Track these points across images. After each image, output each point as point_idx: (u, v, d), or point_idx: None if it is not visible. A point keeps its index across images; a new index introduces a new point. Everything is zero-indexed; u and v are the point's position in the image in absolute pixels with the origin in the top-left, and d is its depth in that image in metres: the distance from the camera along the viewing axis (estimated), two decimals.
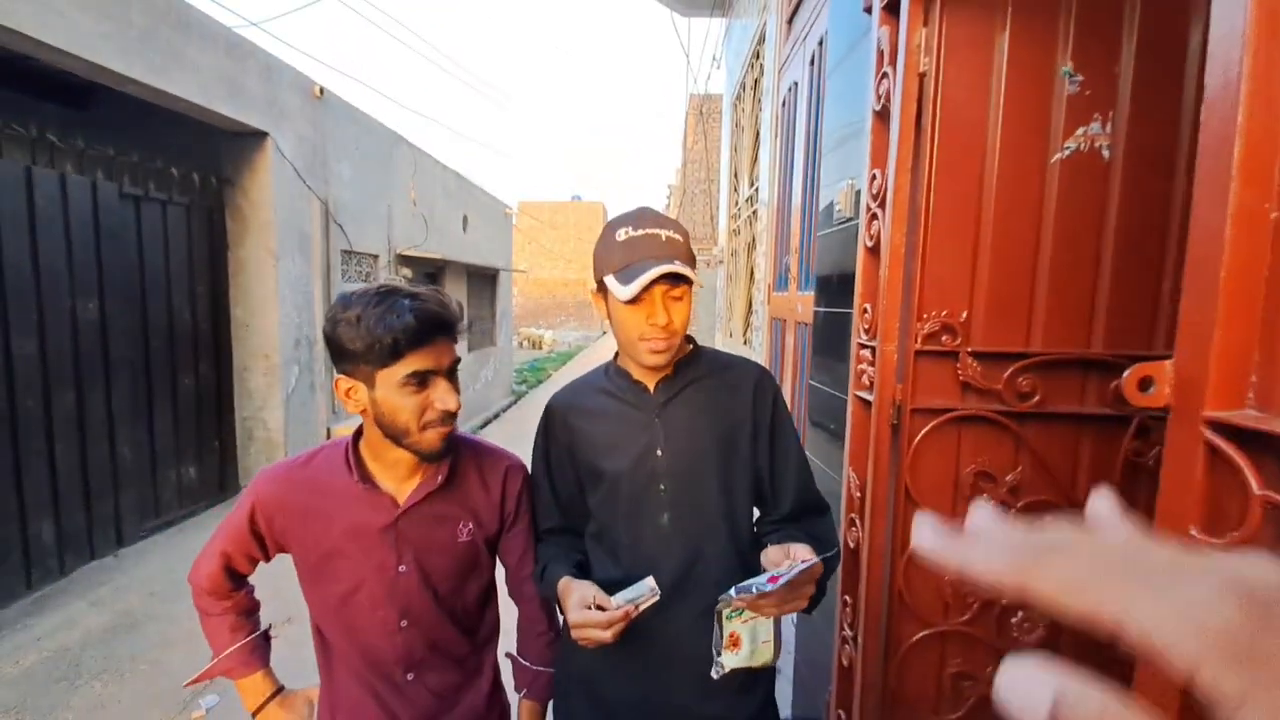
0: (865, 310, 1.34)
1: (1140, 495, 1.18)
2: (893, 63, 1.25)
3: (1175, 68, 1.17)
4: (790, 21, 3.10)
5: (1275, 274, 0.52)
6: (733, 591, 0.84)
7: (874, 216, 1.31)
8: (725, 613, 0.90)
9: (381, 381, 0.91)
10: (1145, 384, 0.58)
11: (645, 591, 0.92)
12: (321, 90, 5.30)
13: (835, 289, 1.90)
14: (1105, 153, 1.19)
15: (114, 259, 3.80)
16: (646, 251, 0.97)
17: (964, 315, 1.24)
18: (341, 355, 0.91)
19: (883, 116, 1.29)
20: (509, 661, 1.19)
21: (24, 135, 3.37)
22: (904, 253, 1.24)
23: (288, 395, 4.97)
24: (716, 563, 1.03)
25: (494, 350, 10.85)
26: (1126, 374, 0.59)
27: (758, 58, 4.03)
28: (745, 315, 4.54)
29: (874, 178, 1.31)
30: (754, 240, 4.08)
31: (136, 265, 4.03)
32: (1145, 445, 1.18)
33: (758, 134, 4.05)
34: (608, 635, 0.89)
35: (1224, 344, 0.53)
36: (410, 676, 1.06)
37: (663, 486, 1.04)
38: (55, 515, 3.46)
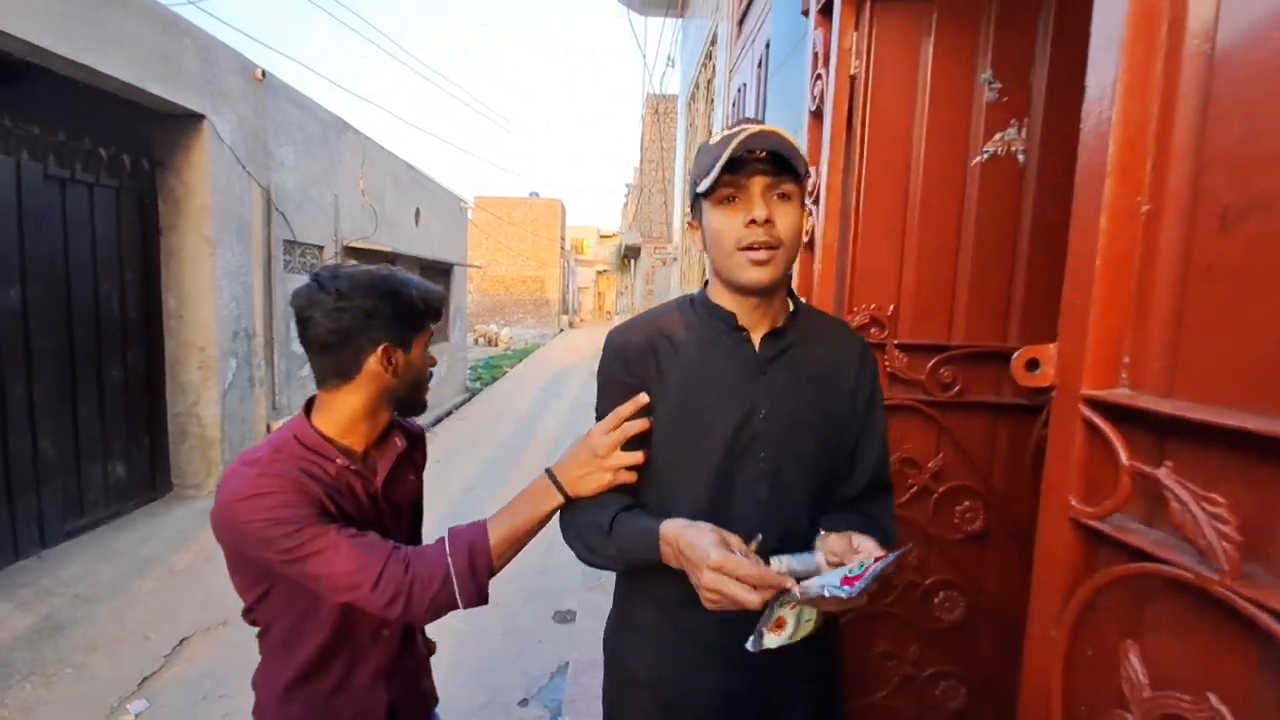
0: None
1: None
2: (826, 64, 1.29)
3: (1083, 79, 1.25)
4: (740, 24, 3.15)
5: (1146, 263, 0.56)
6: (796, 592, 0.72)
7: (809, 213, 1.35)
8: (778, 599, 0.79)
9: (417, 343, 1.01)
10: (1032, 365, 0.63)
11: (818, 570, 0.75)
12: (264, 73, 5.10)
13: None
14: (1020, 157, 1.26)
15: (37, 243, 3.57)
16: (738, 135, 0.81)
17: (891, 309, 1.29)
18: (400, 320, 0.97)
19: (817, 116, 1.33)
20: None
21: None
22: (836, 248, 1.28)
23: (225, 390, 4.77)
24: (803, 543, 0.88)
25: (448, 346, 10.66)
26: (1015, 356, 0.63)
27: (710, 59, 4.08)
28: None
29: (809, 175, 1.35)
30: None
31: (61, 250, 3.79)
32: None
33: (710, 133, 4.11)
34: (754, 598, 0.72)
35: (1100, 328, 0.57)
36: (385, 633, 1.09)
37: (763, 454, 0.89)
38: None
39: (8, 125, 3.41)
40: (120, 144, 4.12)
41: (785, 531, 0.88)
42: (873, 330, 1.29)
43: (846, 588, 0.68)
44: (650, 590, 0.96)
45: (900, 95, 1.26)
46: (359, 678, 1.01)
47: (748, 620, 0.79)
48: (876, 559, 0.71)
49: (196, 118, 4.41)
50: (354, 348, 0.94)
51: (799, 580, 0.73)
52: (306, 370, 5.95)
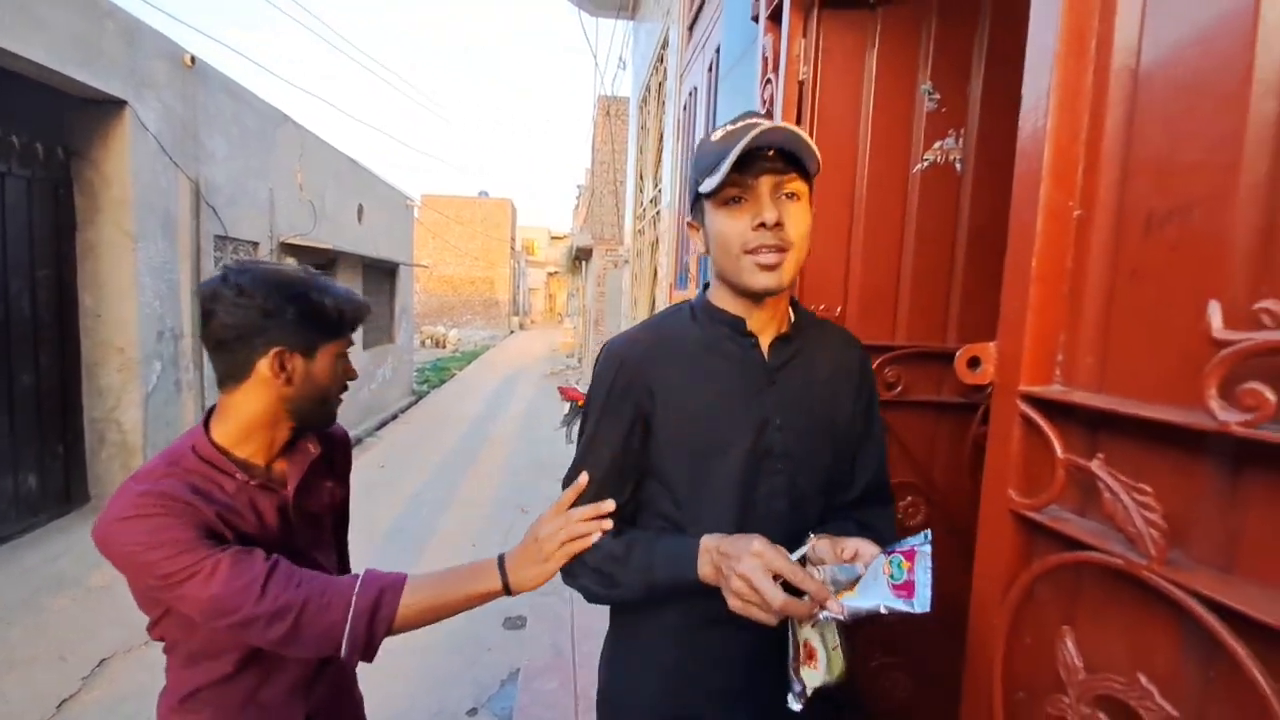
0: None
1: None
2: (775, 70, 1.31)
3: (1017, 91, 1.31)
4: (691, 29, 3.18)
5: (1078, 265, 0.59)
6: (823, 615, 0.67)
7: None
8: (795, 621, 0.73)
9: (324, 352, 0.95)
10: (974, 363, 0.65)
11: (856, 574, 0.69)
12: (193, 59, 4.84)
13: None
14: (958, 165, 1.31)
15: None
16: (745, 133, 0.76)
17: (839, 309, 1.33)
18: (304, 325, 0.92)
19: (767, 120, 1.35)
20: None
21: None
22: None
23: (148, 394, 4.48)
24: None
25: (392, 348, 10.35)
26: (958, 354, 0.65)
27: (661, 62, 4.10)
28: (649, 314, 4.62)
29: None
30: (657, 240, 4.15)
31: None
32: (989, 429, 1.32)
33: (661, 136, 4.12)
34: (779, 599, 0.67)
35: (1035, 327, 0.60)
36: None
37: (779, 466, 0.85)
38: None
39: None
40: (33, 131, 3.83)
41: (804, 542, 0.80)
42: None
43: (906, 598, 0.61)
44: (662, 616, 0.88)
45: (846, 102, 1.30)
46: (271, 692, 0.95)
47: (761, 642, 0.77)
48: (903, 555, 0.65)
49: (117, 104, 4.14)
50: (248, 348, 0.89)
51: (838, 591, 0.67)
52: None
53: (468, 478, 6.60)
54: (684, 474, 0.86)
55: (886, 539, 0.79)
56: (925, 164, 1.31)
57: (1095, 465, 0.52)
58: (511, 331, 29.33)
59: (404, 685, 2.97)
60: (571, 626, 3.03)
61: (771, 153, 0.76)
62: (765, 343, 0.88)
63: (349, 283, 8.28)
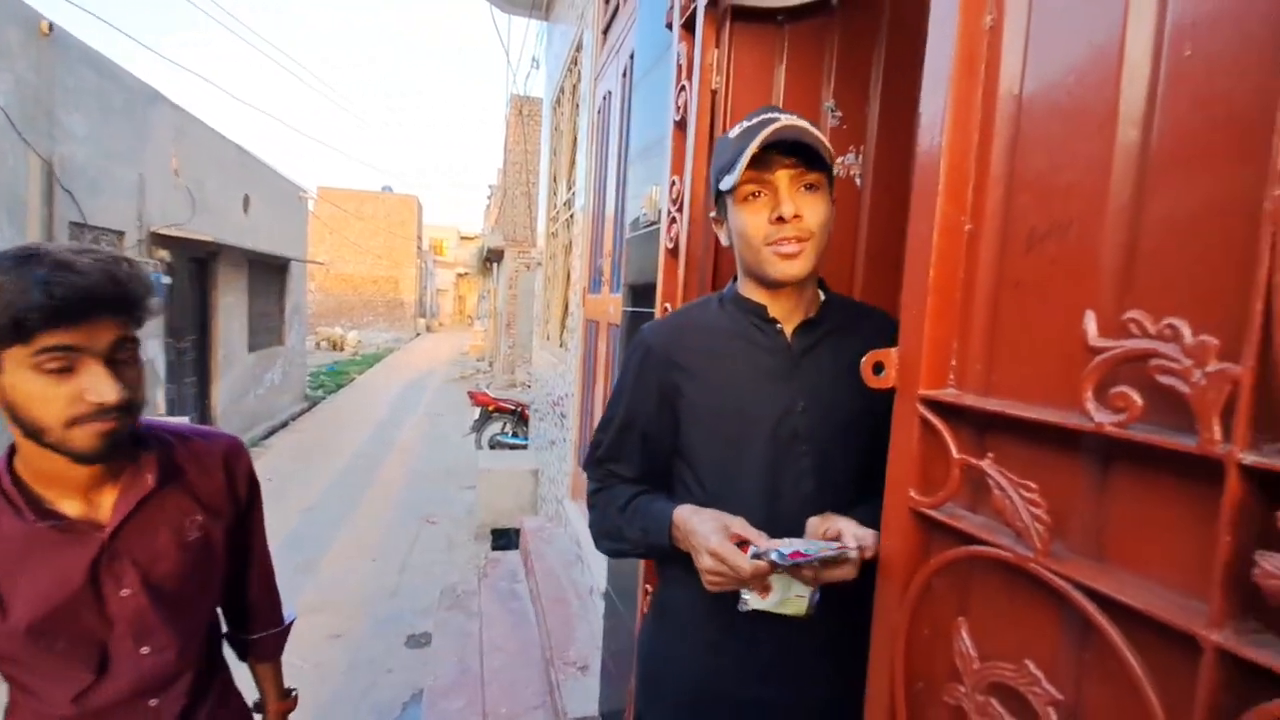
0: (666, 309, 1.40)
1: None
2: (689, 77, 1.33)
3: (910, 112, 1.40)
4: (605, 32, 3.18)
5: (968, 276, 0.63)
6: (774, 554, 0.73)
7: (673, 220, 1.38)
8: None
9: (11, 363, 0.72)
10: (878, 368, 0.67)
11: (825, 549, 0.74)
12: (50, 26, 4.28)
13: (641, 290, 1.97)
14: (858, 180, 1.38)
15: None
16: (761, 129, 0.79)
17: None
18: None
19: (681, 126, 1.37)
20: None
21: None
22: (700, 255, 1.32)
23: None
24: None
25: (282, 350, 9.63)
26: (864, 359, 0.68)
27: (575, 64, 4.08)
28: (562, 318, 4.56)
29: (673, 184, 1.38)
30: (571, 243, 4.12)
31: None
32: None
33: (575, 139, 4.10)
34: (746, 576, 0.74)
35: (932, 334, 0.63)
36: (154, 703, 0.90)
37: (804, 449, 0.87)
38: None
39: None
40: None
41: None
42: None
43: (791, 559, 0.72)
44: (700, 595, 0.89)
45: None
46: None
47: (793, 630, 0.84)
48: (837, 546, 0.73)
49: None
50: None
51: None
52: None
53: (368, 488, 6.24)
54: (712, 457, 0.91)
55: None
56: None
57: (986, 464, 0.55)
58: (418, 334, 28.12)
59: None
60: (480, 642, 2.92)
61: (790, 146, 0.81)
62: (790, 329, 0.91)
63: (233, 279, 7.63)
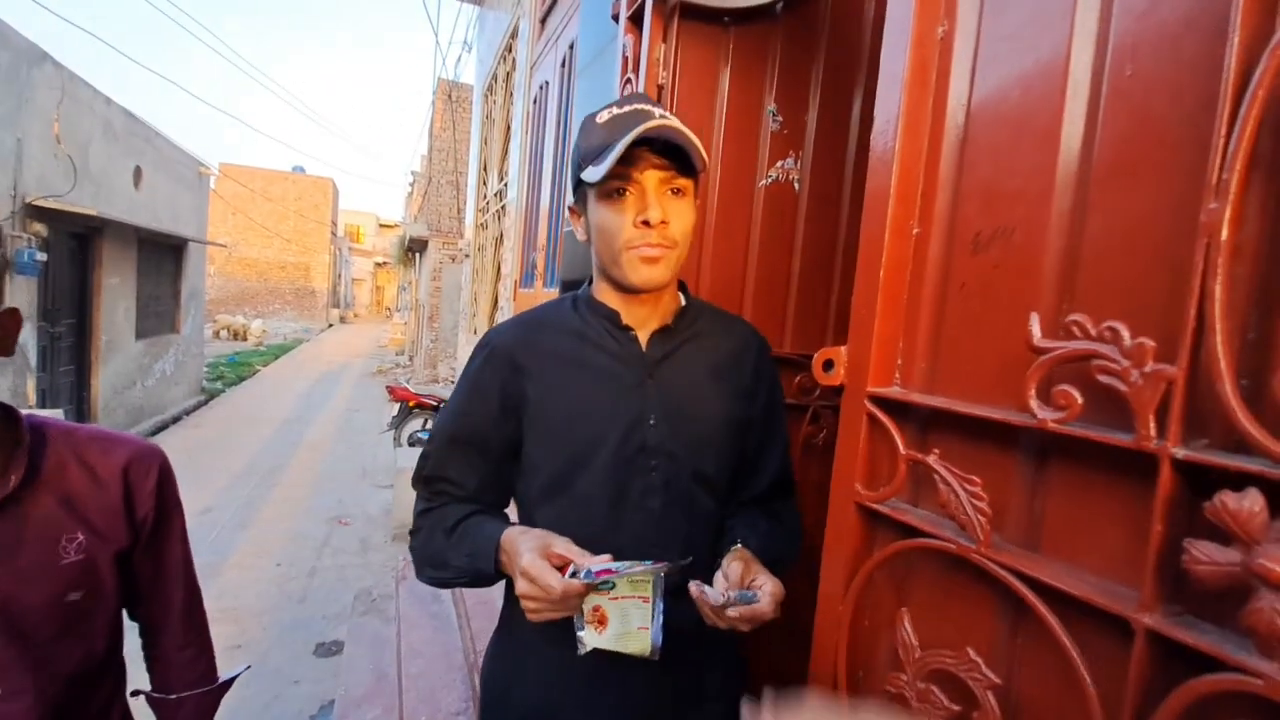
0: None
1: (813, 469, 1.43)
2: (635, 70, 1.31)
3: (844, 123, 1.45)
4: (543, 21, 3.12)
5: (916, 277, 0.65)
6: (583, 573, 0.67)
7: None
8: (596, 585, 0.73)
9: None
10: (828, 365, 0.69)
11: (645, 566, 0.69)
12: None
13: (577, 285, 1.94)
14: (796, 185, 1.42)
15: None
16: (633, 123, 0.73)
17: None
18: None
19: (655, 109, 1.35)
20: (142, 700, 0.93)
21: None
22: None
23: None
24: (705, 557, 0.81)
25: (176, 338, 8.86)
26: (815, 356, 0.69)
27: (510, 52, 3.98)
28: (490, 312, 4.44)
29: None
30: (502, 236, 4.01)
31: None
32: (817, 429, 1.43)
33: (509, 128, 4.00)
34: (557, 596, 0.66)
35: (881, 333, 0.64)
36: None
37: (654, 463, 0.82)
38: None
39: None
40: None
41: (686, 544, 0.81)
42: None
43: (599, 577, 0.67)
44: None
45: (701, 112, 1.34)
46: None
47: (628, 667, 0.74)
48: (641, 564, 0.70)
49: None
50: None
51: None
52: None
53: (274, 488, 5.85)
54: (554, 470, 0.84)
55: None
56: (768, 180, 1.40)
57: (933, 460, 0.57)
58: (331, 325, 26.65)
59: None
60: (398, 648, 2.79)
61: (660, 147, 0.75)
62: (644, 336, 0.86)
63: (119, 259, 6.94)
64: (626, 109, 0.78)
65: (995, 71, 0.58)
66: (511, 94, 3.90)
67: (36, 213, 5.24)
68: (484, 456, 0.87)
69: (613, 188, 0.77)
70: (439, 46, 7.53)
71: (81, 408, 6.45)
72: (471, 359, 0.89)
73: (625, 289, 0.83)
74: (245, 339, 18.52)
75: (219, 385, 10.68)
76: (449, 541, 0.83)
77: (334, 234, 27.54)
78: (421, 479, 0.90)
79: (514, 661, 0.89)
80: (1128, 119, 0.46)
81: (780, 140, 1.41)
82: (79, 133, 5.90)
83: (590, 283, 0.91)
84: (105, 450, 0.82)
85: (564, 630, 0.74)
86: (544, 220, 2.77)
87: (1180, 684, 0.39)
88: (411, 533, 0.91)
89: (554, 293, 2.46)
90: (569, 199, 0.89)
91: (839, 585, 0.66)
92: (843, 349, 0.68)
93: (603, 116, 0.80)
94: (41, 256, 5.15)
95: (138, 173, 7.24)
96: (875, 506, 0.63)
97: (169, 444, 7.18)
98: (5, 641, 0.73)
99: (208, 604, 1.01)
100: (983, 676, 0.52)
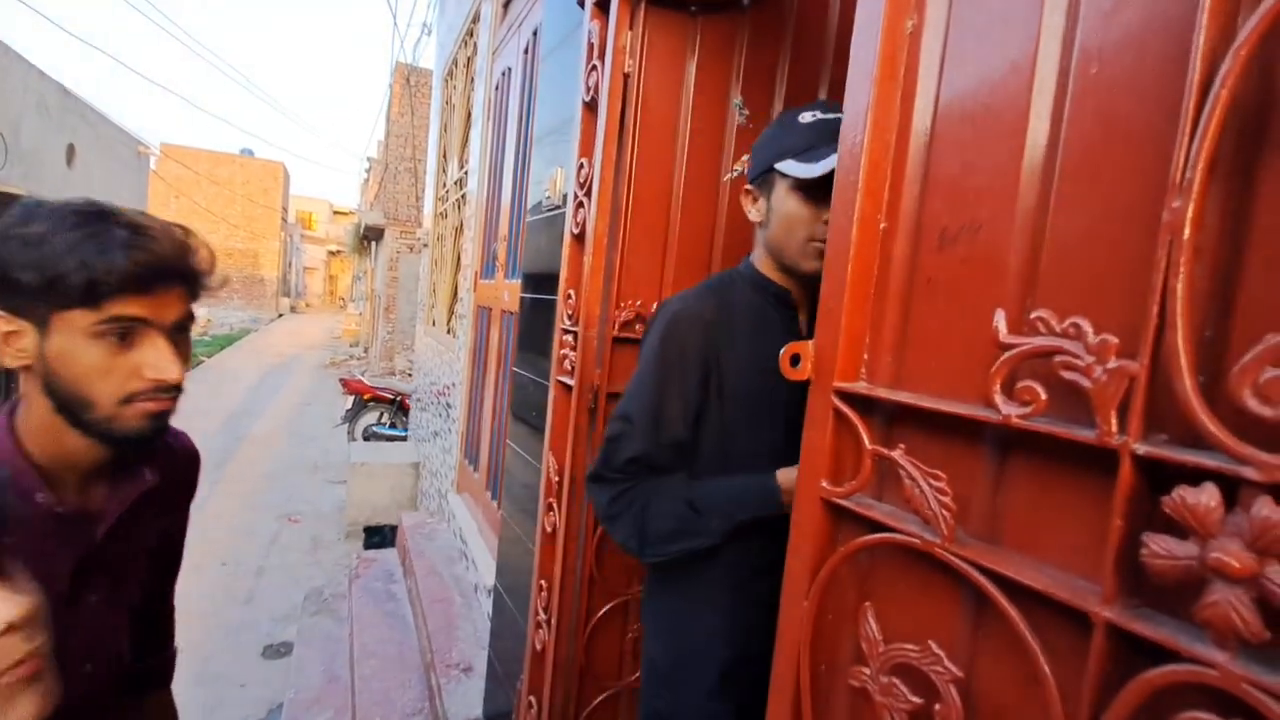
0: (569, 296, 1.36)
1: None
2: (601, 57, 1.29)
3: None
4: (506, 6, 3.05)
5: (882, 273, 0.65)
6: None
7: (580, 204, 1.34)
8: None
9: (62, 327, 0.65)
10: (795, 360, 0.68)
11: None
12: None
13: (541, 277, 1.91)
14: None
15: None
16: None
17: (654, 307, 1.34)
18: (9, 281, 0.65)
19: (591, 108, 1.32)
20: None
21: None
22: (606, 242, 1.29)
23: None
24: None
25: None
26: (783, 351, 0.68)
27: (471, 36, 3.88)
28: (450, 303, 4.34)
29: (581, 166, 1.34)
30: (462, 225, 3.92)
31: None
32: None
33: (469, 115, 3.90)
34: None
35: (848, 328, 0.64)
36: None
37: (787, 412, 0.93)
38: None
39: None
40: None
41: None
42: (637, 327, 1.33)
43: None
44: (710, 571, 0.97)
45: (668, 102, 1.32)
46: None
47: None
48: None
49: None
50: None
51: None
52: None
53: (218, 484, 5.62)
54: (737, 434, 0.96)
55: None
56: (733, 174, 1.39)
57: (898, 455, 0.57)
58: (281, 315, 25.72)
59: None
60: (351, 648, 2.72)
61: None
62: (803, 318, 1.02)
63: None
64: (833, 116, 0.89)
65: (963, 68, 0.58)
66: (472, 80, 3.80)
67: None
68: (685, 425, 0.96)
69: (816, 185, 0.88)
70: (397, 29, 7.31)
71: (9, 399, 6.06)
72: (661, 333, 0.98)
73: (795, 273, 0.97)
74: None
75: None
76: (698, 511, 0.93)
77: (285, 220, 26.54)
78: (621, 463, 0.98)
79: (703, 609, 1.00)
80: (1093, 118, 0.47)
81: (747, 134, 1.41)
82: (8, 106, 5.52)
83: (749, 259, 1.05)
84: (179, 443, 0.91)
85: (735, 568, 0.93)
86: (506, 210, 2.71)
87: (1135, 675, 0.39)
88: (611, 518, 0.99)
89: (515, 284, 2.41)
90: (725, 177, 1.08)
91: (803, 580, 0.66)
92: (810, 344, 0.67)
93: (807, 118, 0.91)
94: None
95: (71, 150, 6.83)
96: (840, 502, 0.63)
97: None
98: (112, 619, 0.79)
99: None
100: (945, 669, 0.52)
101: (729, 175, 1.42)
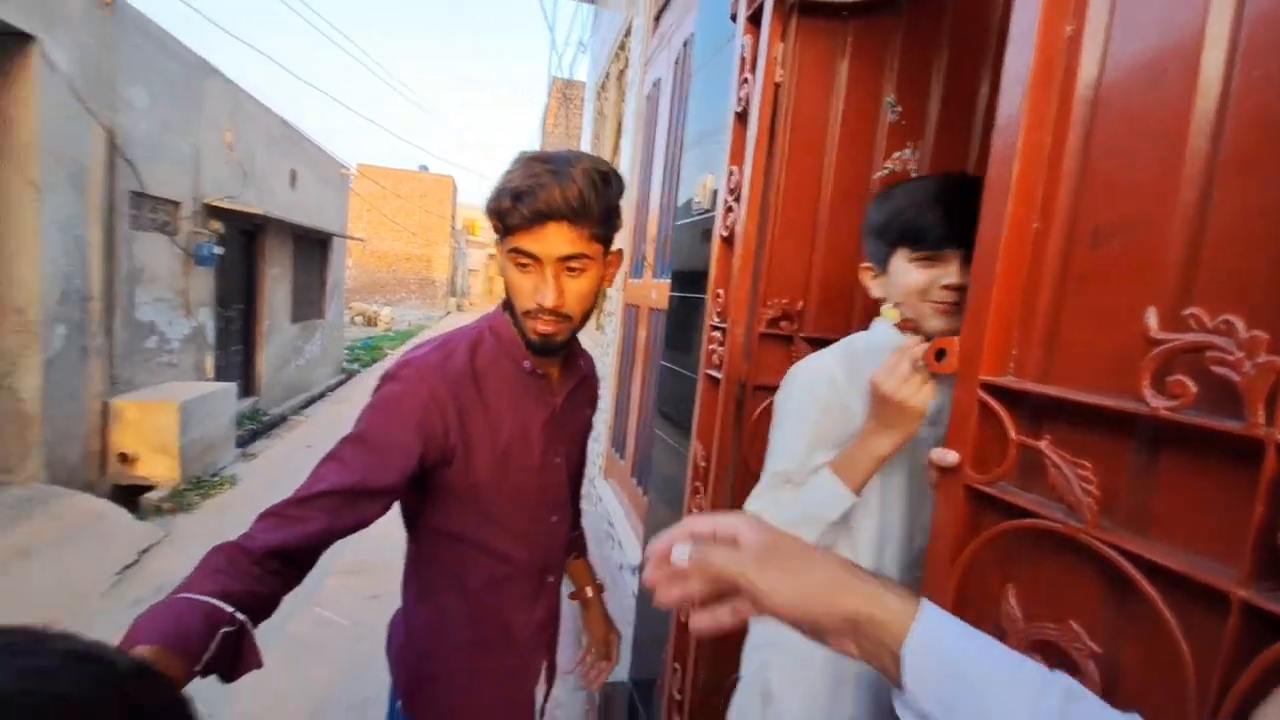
0: (718, 295, 1.46)
1: None
2: (753, 70, 1.37)
3: (968, 114, 1.42)
4: (657, 19, 3.21)
5: (1034, 271, 0.67)
6: None
7: (730, 209, 1.43)
8: None
9: (500, 249, 0.92)
10: (940, 354, 0.72)
11: None
12: None
13: (689, 276, 2.03)
14: (913, 174, 1.41)
15: None
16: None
17: (800, 304, 1.40)
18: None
19: (742, 118, 1.41)
20: None
21: None
22: (755, 244, 1.37)
23: (49, 359, 4.13)
24: None
25: (322, 323, 9.90)
26: (928, 346, 0.73)
27: (623, 49, 4.11)
28: (599, 303, 4.63)
29: (731, 173, 1.43)
30: None
31: None
32: None
33: (620, 125, 4.14)
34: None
35: (995, 323, 0.67)
36: (550, 579, 1.08)
37: None
38: None
39: None
40: None
41: None
42: (783, 323, 1.40)
43: None
44: None
45: (818, 106, 1.37)
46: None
47: None
48: None
49: (24, 38, 3.77)
50: None
51: None
52: (153, 341, 5.28)
53: None
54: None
55: None
56: (885, 171, 1.41)
57: (1044, 445, 0.60)
58: (448, 312, 28.52)
59: (333, 666, 2.90)
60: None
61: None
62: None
63: (279, 251, 7.86)
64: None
65: (1124, 69, 0.59)
66: (624, 91, 4.03)
67: (213, 211, 6.07)
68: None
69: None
70: (554, 47, 7.86)
71: (248, 383, 7.40)
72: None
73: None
74: (376, 324, 20.28)
75: (355, 366, 11.80)
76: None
77: (453, 227, 29.38)
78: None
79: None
80: (1255, 116, 0.48)
81: (898, 131, 1.41)
82: (246, 140, 6.74)
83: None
84: (584, 353, 1.17)
85: None
86: (655, 214, 2.87)
87: (1263, 650, 0.41)
88: None
89: (663, 284, 2.56)
90: (876, 175, 1.25)
91: (945, 560, 0.70)
92: (956, 339, 0.71)
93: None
94: (219, 250, 5.96)
95: (293, 175, 8.16)
96: (984, 489, 0.67)
97: (317, 417, 8.07)
98: (566, 478, 1.07)
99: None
100: (1084, 646, 0.55)
101: (879, 173, 1.43)
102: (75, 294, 4.33)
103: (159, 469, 4.71)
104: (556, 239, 0.86)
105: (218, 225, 6.15)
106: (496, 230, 0.91)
